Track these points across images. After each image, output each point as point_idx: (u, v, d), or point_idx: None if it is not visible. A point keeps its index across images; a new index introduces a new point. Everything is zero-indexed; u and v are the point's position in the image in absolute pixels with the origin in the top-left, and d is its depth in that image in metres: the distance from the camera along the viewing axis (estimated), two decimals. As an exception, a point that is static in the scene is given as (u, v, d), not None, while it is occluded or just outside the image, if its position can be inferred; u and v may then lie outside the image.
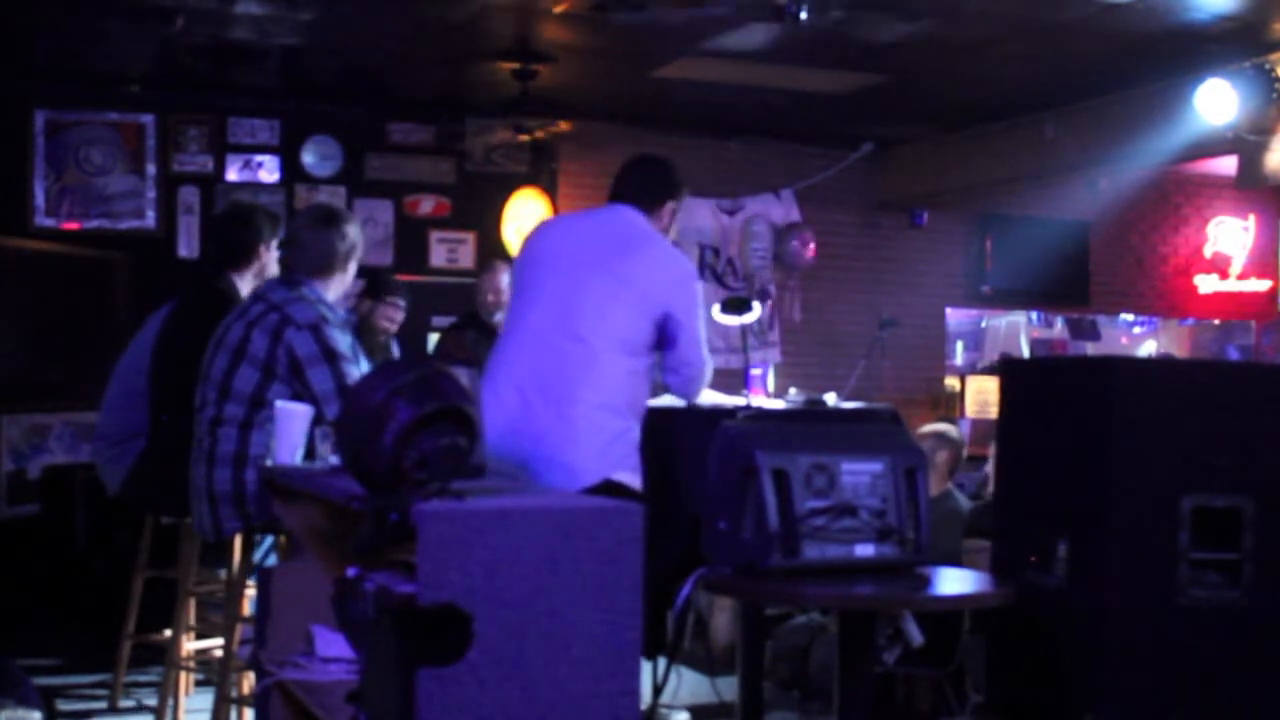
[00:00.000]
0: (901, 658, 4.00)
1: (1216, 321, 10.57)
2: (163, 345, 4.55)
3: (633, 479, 3.63)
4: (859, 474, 2.93)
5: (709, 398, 4.03)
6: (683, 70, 6.98)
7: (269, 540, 4.12)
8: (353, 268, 4.05)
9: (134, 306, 7.00)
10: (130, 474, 4.62)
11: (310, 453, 3.33)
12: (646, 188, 3.88)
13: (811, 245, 8.65)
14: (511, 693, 2.15)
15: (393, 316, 6.33)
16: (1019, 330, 10.59)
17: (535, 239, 3.94)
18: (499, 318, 6.49)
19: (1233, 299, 10.31)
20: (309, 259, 3.95)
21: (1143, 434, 3.27)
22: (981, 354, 10.53)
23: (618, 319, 3.63)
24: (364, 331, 6.02)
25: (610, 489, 3.47)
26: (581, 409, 3.57)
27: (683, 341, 3.73)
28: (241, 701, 4.12)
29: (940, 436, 5.82)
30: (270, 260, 4.51)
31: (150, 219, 7.43)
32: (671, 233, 3.95)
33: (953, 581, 3.04)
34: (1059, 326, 10.46)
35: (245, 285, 4.44)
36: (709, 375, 3.89)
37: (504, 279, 6.55)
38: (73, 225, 7.27)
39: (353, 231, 4.01)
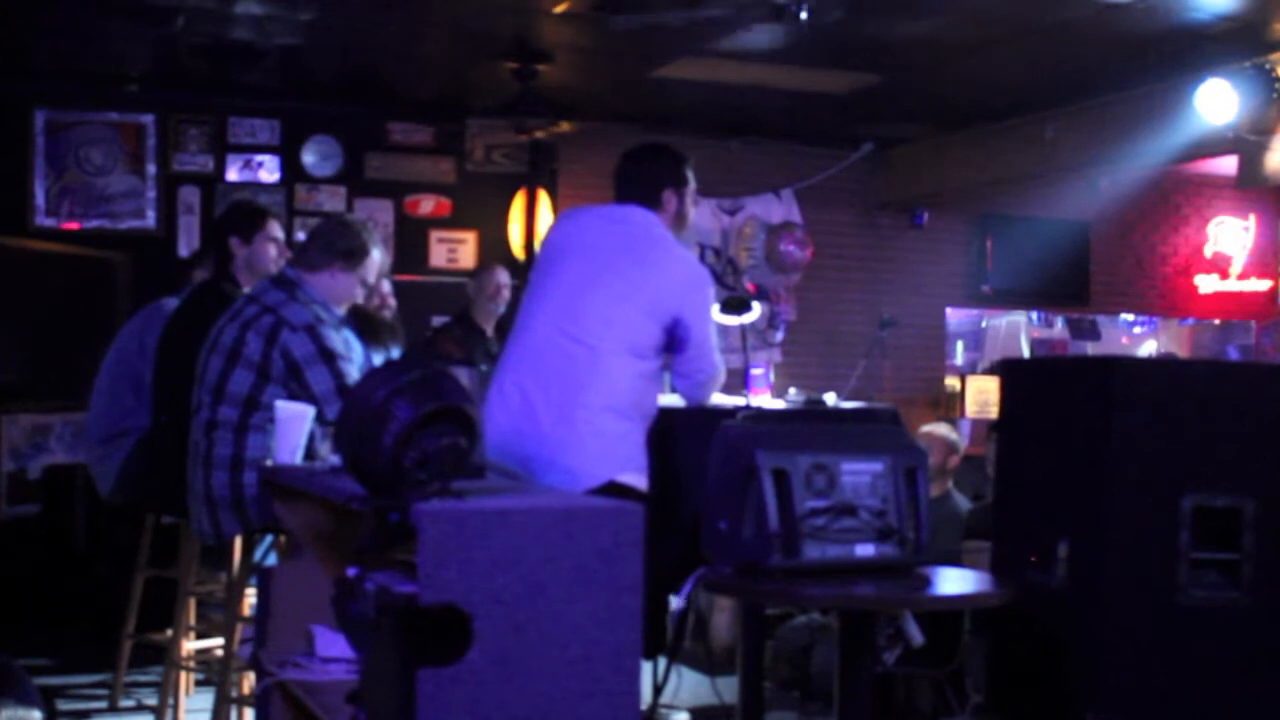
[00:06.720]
0: (901, 658, 4.00)
1: (1216, 321, 10.57)
2: (166, 346, 4.54)
3: (638, 480, 3.61)
4: (859, 474, 2.93)
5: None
6: (683, 70, 6.98)
7: (269, 540, 4.11)
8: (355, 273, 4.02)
9: (134, 306, 6.99)
10: (122, 474, 4.62)
11: (310, 453, 3.34)
12: (639, 183, 3.84)
13: (808, 245, 8.63)
14: (511, 693, 2.15)
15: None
16: (1019, 330, 10.58)
17: (554, 232, 3.92)
18: (500, 314, 6.48)
19: (1233, 299, 10.31)
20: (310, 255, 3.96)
21: (1143, 434, 3.27)
22: (982, 354, 10.53)
23: (625, 322, 3.61)
24: (362, 321, 5.94)
25: (615, 491, 3.45)
26: (584, 412, 3.56)
27: (692, 346, 3.70)
28: (241, 701, 4.12)
29: (938, 438, 5.83)
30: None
31: (150, 219, 7.42)
32: (689, 217, 3.90)
33: (953, 581, 3.04)
34: (1059, 326, 10.45)
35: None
36: (721, 379, 3.88)
37: (503, 276, 6.56)
38: (73, 225, 7.27)
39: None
